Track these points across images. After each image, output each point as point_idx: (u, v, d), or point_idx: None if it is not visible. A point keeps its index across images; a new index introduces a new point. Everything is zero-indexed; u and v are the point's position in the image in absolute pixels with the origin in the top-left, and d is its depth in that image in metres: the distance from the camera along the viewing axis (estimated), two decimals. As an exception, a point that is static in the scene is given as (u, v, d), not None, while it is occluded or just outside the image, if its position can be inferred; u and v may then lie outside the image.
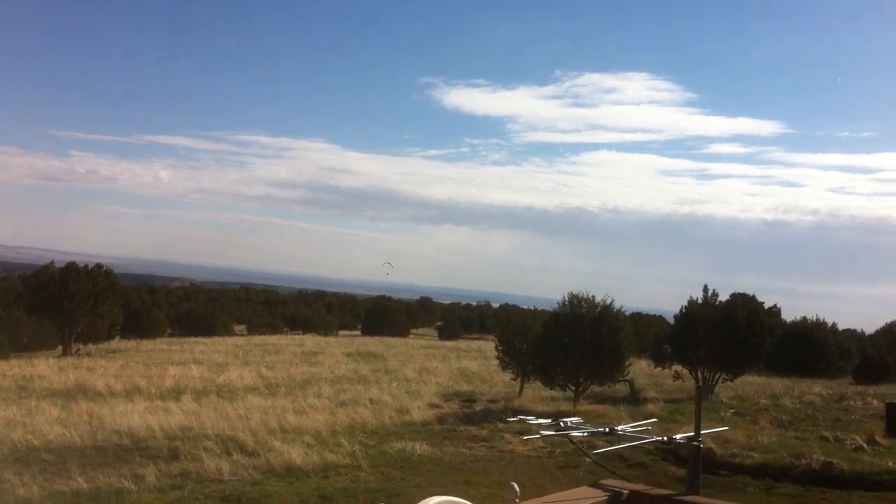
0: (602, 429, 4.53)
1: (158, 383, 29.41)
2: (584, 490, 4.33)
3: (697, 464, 4.42)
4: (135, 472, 15.16)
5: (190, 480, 14.95)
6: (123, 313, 59.24)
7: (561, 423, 4.51)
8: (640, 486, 4.51)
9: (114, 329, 56.02)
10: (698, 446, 4.41)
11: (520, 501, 4.06)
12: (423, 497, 12.09)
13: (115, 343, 54.90)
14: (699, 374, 32.58)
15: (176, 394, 26.82)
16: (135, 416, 20.58)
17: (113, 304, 51.87)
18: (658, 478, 16.83)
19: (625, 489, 4.33)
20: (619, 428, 4.55)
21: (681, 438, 4.50)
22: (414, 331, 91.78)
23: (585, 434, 4.46)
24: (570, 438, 4.51)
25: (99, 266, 52.18)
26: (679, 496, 4.34)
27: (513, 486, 3.31)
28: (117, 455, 16.95)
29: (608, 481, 4.53)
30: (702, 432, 4.52)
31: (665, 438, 4.50)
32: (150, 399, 25.17)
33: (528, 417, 4.81)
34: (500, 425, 21.45)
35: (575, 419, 4.60)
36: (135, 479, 14.73)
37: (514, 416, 23.01)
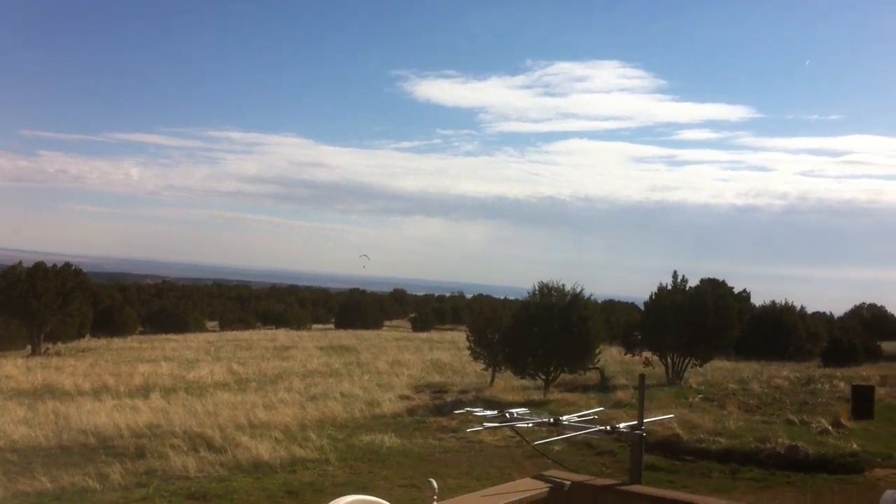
0: (546, 419, 4.53)
1: (127, 381, 29.19)
2: (527, 482, 4.34)
3: (640, 453, 4.44)
4: (100, 471, 15.03)
5: (155, 478, 14.86)
6: (94, 312, 58.76)
7: (506, 415, 4.51)
8: (583, 477, 4.52)
9: (84, 328, 55.56)
10: (640, 435, 4.43)
11: (462, 494, 4.07)
12: (389, 487, 12.04)
13: (86, 342, 54.45)
14: (669, 360, 32.78)
15: (145, 391, 26.65)
16: (102, 415, 20.41)
17: (82, 302, 51.43)
18: (624, 464, 16.93)
19: (567, 480, 4.34)
20: (564, 418, 4.56)
21: (623, 427, 4.51)
22: (387, 323, 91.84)
23: (530, 425, 4.46)
24: (515, 429, 4.50)
25: (67, 265, 51.72)
26: (622, 486, 4.36)
27: (431, 482, 3.31)
28: (83, 454, 16.81)
29: (552, 472, 4.53)
30: (645, 420, 4.53)
31: (608, 428, 4.52)
32: (118, 397, 24.96)
33: (475, 409, 4.81)
34: (470, 416, 21.50)
35: (521, 409, 4.62)
36: (100, 478, 14.61)
37: (481, 407, 23.17)
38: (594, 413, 4.78)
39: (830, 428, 19.64)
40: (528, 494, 4.11)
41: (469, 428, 12.36)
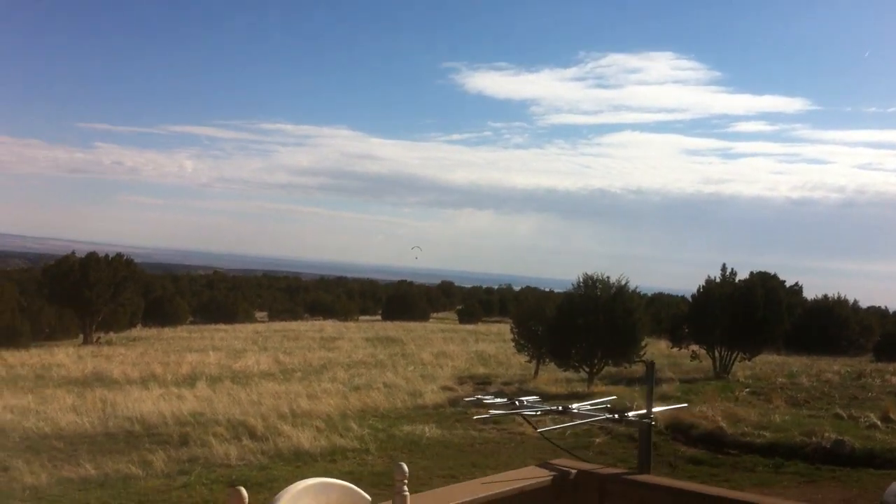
0: (556, 407, 4.46)
1: (175, 370, 29.60)
2: (531, 470, 4.26)
3: (649, 442, 4.35)
4: (144, 458, 15.24)
5: (198, 465, 15.02)
6: (145, 302, 59.85)
7: (516, 402, 4.45)
8: (589, 466, 4.44)
9: (135, 317, 56.62)
10: (649, 424, 4.35)
11: (465, 480, 4.01)
12: (428, 478, 12.03)
13: (137, 331, 55.39)
14: (716, 353, 32.38)
15: (191, 380, 26.97)
16: (148, 403, 20.71)
17: (134, 292, 52.40)
18: (666, 457, 16.77)
19: (573, 468, 4.26)
20: (574, 406, 4.48)
21: (633, 416, 4.42)
22: (434, 315, 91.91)
23: (538, 413, 4.39)
24: (525, 417, 4.44)
25: (119, 255, 52.58)
26: (629, 475, 4.26)
27: (401, 466, 3.25)
28: (128, 441, 17.06)
29: (559, 461, 4.45)
30: (654, 410, 4.44)
31: (616, 416, 4.43)
32: (164, 386, 25.30)
33: (486, 397, 4.74)
34: (479, 404, 21.43)
35: (531, 398, 4.55)
36: (143, 465, 14.82)
37: (524, 397, 23.09)
38: (607, 401, 4.70)
39: (879, 423, 19.25)
40: (531, 482, 4.03)
41: (476, 416, 12.33)
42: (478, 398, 4.82)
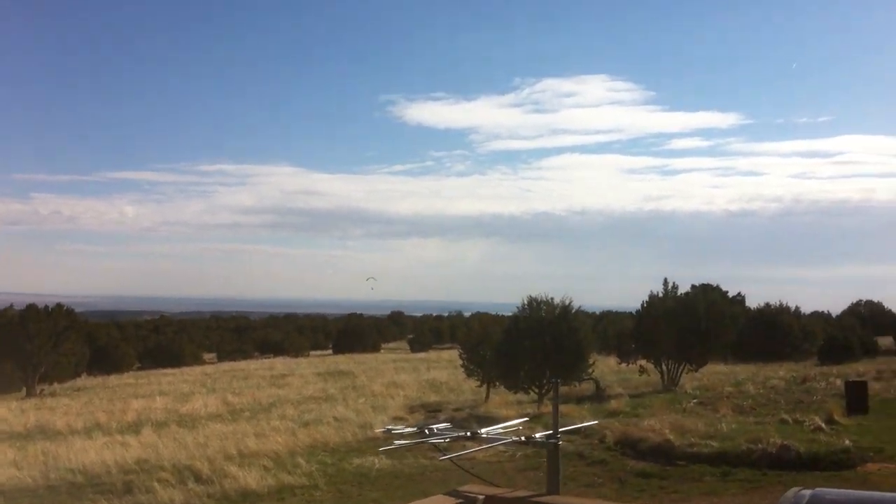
0: (464, 432, 4.43)
1: (120, 417, 29.05)
2: (439, 499, 4.18)
3: (557, 462, 4.32)
4: (86, 510, 14.91)
5: (142, 513, 14.73)
6: (90, 350, 58.68)
7: (426, 431, 4.40)
8: (498, 490, 4.38)
9: (80, 367, 55.52)
10: (556, 444, 4.32)
11: None
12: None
13: (82, 381, 54.30)
14: (663, 366, 32.68)
15: (137, 427, 26.48)
16: (91, 453, 20.25)
17: (76, 342, 51.46)
18: (616, 472, 16.85)
19: (481, 494, 4.20)
20: (483, 431, 4.45)
21: (539, 437, 4.40)
22: (385, 345, 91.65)
23: (447, 440, 4.35)
24: (436, 444, 4.38)
25: (59, 306, 51.68)
26: (537, 497, 4.22)
27: None
28: (70, 493, 16.67)
29: (468, 487, 4.40)
30: (560, 429, 4.42)
31: (523, 438, 4.41)
32: (109, 434, 24.82)
33: (397, 427, 4.70)
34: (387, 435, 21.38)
35: (442, 425, 4.51)
36: (86, 517, 14.50)
37: (474, 424, 22.86)
38: (519, 423, 4.67)
39: (824, 425, 19.56)
40: None
41: (381, 448, 12.26)
42: (388, 429, 4.76)
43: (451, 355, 60.83)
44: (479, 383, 32.17)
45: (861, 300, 76.84)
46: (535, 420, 23.31)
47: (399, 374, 44.85)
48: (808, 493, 2.12)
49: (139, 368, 66.83)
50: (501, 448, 18.88)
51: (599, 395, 29.11)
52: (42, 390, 47.01)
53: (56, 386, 49.48)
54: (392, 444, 4.36)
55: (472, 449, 4.53)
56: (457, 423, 22.38)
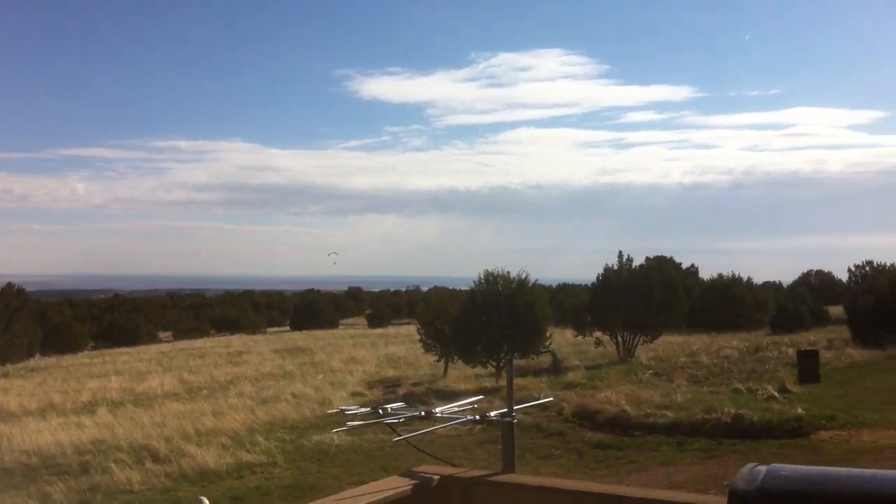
0: (418, 412, 4.41)
1: (74, 398, 28.69)
2: (393, 480, 4.15)
3: (512, 440, 4.32)
4: (42, 491, 14.76)
5: (99, 494, 14.62)
6: (42, 330, 57.90)
7: (380, 411, 4.39)
8: (454, 470, 4.37)
9: (33, 347, 54.76)
10: (510, 422, 4.33)
11: (331, 497, 3.92)
12: (338, 486, 11.91)
13: (35, 361, 53.46)
14: (619, 338, 33.03)
15: (92, 407, 26.19)
16: (46, 434, 20.00)
17: (28, 322, 50.68)
18: (574, 444, 17.05)
19: (436, 475, 4.19)
20: (437, 410, 4.44)
21: (494, 415, 4.40)
22: (343, 321, 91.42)
23: (402, 420, 4.34)
24: (390, 425, 4.37)
25: (10, 285, 50.89)
26: (493, 476, 4.22)
27: (201, 500, 3.22)
28: (25, 475, 16.45)
29: (424, 467, 4.39)
30: (516, 407, 4.43)
31: (477, 417, 4.40)
32: (64, 415, 24.50)
33: (350, 408, 4.69)
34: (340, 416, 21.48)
35: (396, 405, 4.48)
36: (42, 498, 14.35)
37: (433, 399, 22.92)
38: (474, 401, 4.67)
39: (777, 394, 19.92)
40: (389, 493, 3.89)
41: (335, 429, 12.27)
42: (340, 409, 4.74)
43: (410, 330, 60.91)
44: (437, 358, 32.28)
45: (812, 270, 78.27)
46: (493, 393, 23.48)
47: (357, 350, 44.77)
48: (763, 468, 2.14)
49: (94, 348, 66.05)
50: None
51: (556, 368, 29.36)
52: (-6, 371, 46.30)
53: (9, 367, 48.69)
54: (345, 425, 4.34)
55: (427, 429, 4.52)
56: (415, 398, 22.48)
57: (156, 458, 16.89)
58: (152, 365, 42.61)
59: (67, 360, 52.94)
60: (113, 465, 16.27)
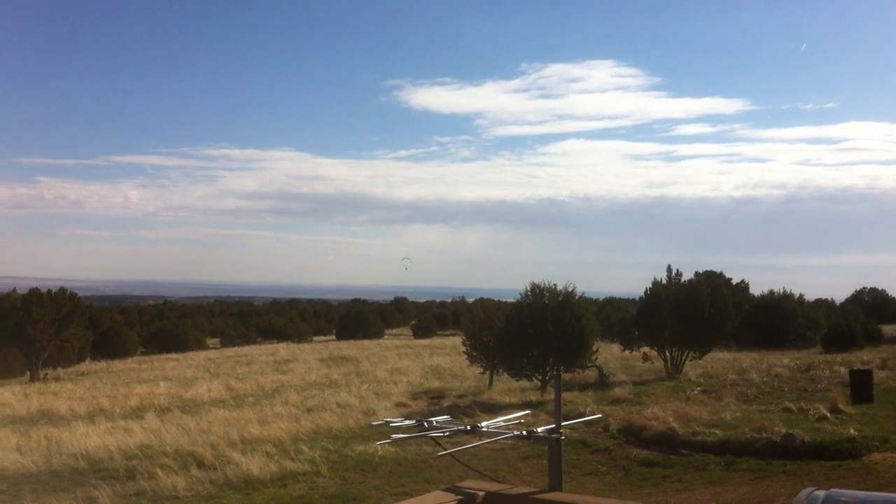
0: (463, 426, 4.30)
1: (123, 403, 29.04)
2: (437, 495, 4.01)
3: (559, 458, 4.17)
4: (88, 495, 14.88)
5: (145, 499, 14.70)
6: (93, 335, 58.80)
7: (425, 423, 4.28)
8: (499, 486, 4.22)
9: (83, 352, 55.71)
10: (558, 439, 4.18)
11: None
12: (380, 497, 11.85)
13: (85, 365, 54.40)
14: (667, 353, 32.62)
15: (140, 412, 26.47)
16: (94, 438, 20.24)
17: (79, 327, 51.45)
18: (619, 461, 16.81)
19: (481, 490, 4.05)
20: (483, 424, 4.32)
21: (542, 431, 4.26)
22: (388, 331, 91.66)
23: (446, 434, 4.23)
24: (435, 439, 4.26)
25: (63, 290, 51.64)
26: (539, 493, 4.07)
27: None
28: (72, 478, 16.64)
29: (466, 483, 4.26)
30: (563, 423, 4.29)
31: (524, 433, 4.27)
32: (112, 419, 24.81)
33: (395, 420, 4.59)
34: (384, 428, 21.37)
35: (441, 418, 4.37)
36: (88, 502, 14.47)
37: (477, 411, 22.76)
38: (521, 416, 4.55)
39: (828, 414, 19.49)
40: None
41: (378, 441, 12.13)
42: (385, 421, 4.63)
43: (454, 342, 60.84)
44: (482, 370, 32.14)
45: (865, 288, 76.72)
46: (538, 407, 23.32)
47: (402, 361, 44.81)
48: (821, 493, 2.02)
49: (143, 353, 66.97)
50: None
51: (603, 383, 29.07)
52: (45, 375, 47.06)
53: (59, 371, 49.58)
54: (389, 437, 4.24)
55: (472, 444, 4.41)
56: (460, 410, 22.35)
57: (201, 465, 16.97)
58: (199, 371, 43.05)
59: (117, 365, 53.71)
60: (159, 470, 16.36)
